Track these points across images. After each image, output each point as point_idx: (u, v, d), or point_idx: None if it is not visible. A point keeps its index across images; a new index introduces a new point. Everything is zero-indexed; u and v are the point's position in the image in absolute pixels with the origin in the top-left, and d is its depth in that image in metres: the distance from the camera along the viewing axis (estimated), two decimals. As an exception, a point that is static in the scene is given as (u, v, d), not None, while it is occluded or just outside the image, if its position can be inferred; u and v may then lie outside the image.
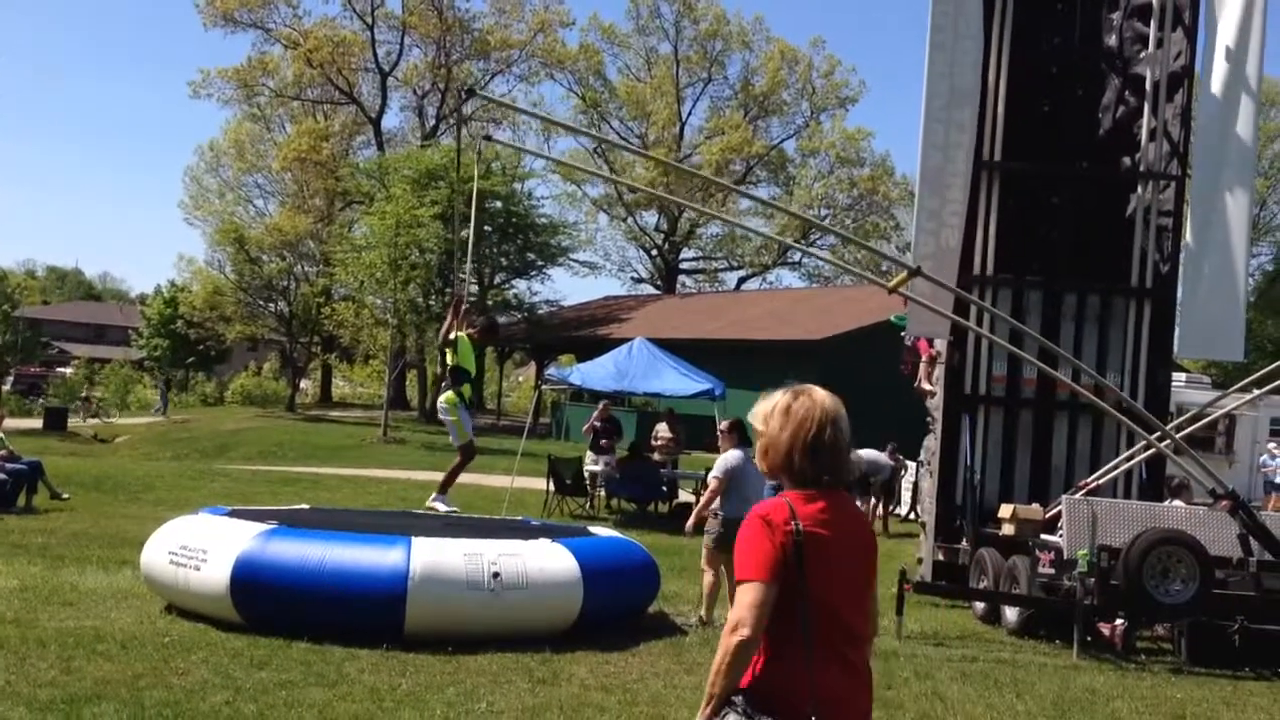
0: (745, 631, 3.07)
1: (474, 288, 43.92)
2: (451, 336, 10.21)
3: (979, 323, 11.97)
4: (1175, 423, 12.83)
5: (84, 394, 45.96)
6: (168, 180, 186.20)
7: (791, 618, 3.11)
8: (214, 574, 8.23)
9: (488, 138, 12.28)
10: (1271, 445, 25.01)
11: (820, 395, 3.42)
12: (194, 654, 7.47)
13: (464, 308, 10.54)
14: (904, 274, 9.81)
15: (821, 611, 3.14)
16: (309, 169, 46.25)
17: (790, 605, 3.11)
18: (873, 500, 18.96)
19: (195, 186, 51.74)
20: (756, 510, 3.22)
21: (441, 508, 9.87)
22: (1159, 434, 10.51)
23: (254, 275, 45.41)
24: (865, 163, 55.96)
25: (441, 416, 10.52)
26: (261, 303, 47.10)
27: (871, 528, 3.89)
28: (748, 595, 3.10)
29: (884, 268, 55.85)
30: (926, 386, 13.55)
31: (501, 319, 45.97)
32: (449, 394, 10.19)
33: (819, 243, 56.49)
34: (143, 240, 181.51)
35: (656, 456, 19.19)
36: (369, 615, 7.98)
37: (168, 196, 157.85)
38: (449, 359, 10.24)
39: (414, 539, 8.45)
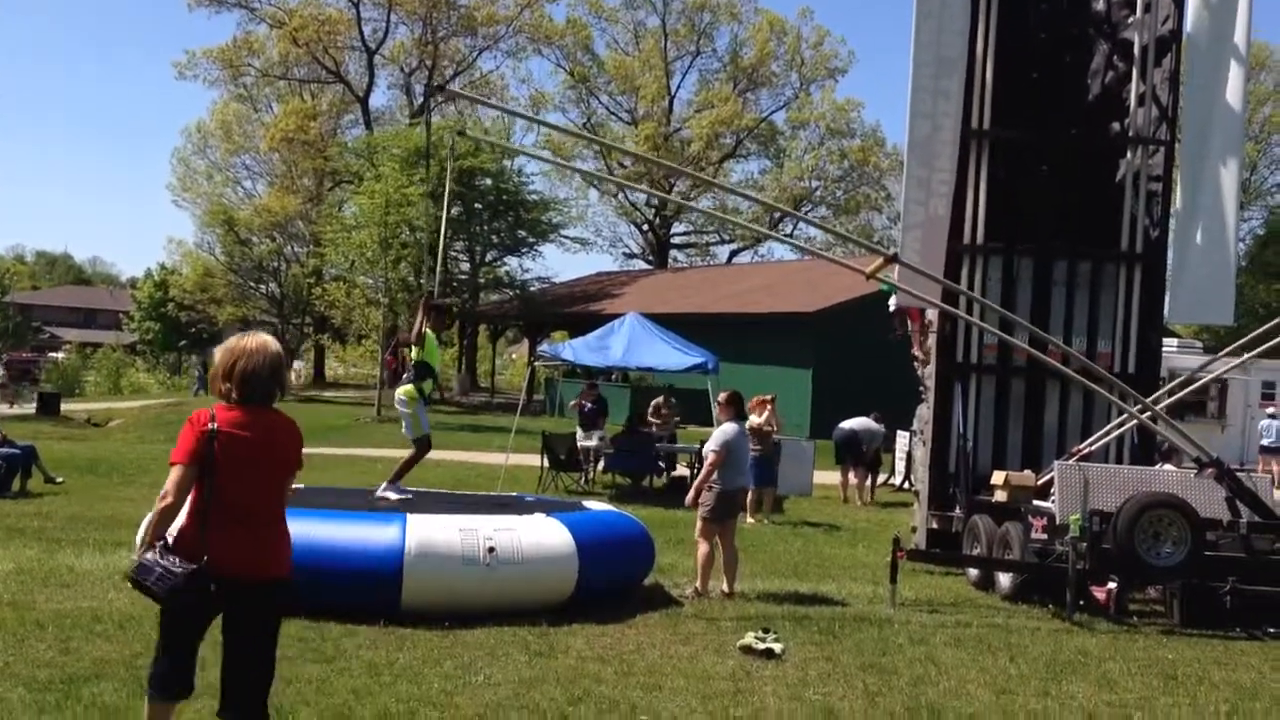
0: (169, 499, 4.36)
1: (465, 264, 43.94)
2: (423, 331, 10.20)
3: (967, 305, 11.98)
4: (1165, 389, 12.89)
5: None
6: (156, 163, 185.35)
7: (202, 489, 4.38)
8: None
9: (461, 133, 12.17)
10: (1270, 410, 25.12)
11: (250, 338, 4.66)
12: (191, 633, 7.49)
13: (432, 304, 10.50)
14: (881, 260, 9.85)
15: (226, 490, 4.40)
16: (297, 149, 46.06)
17: (204, 480, 4.38)
18: (844, 471, 18.99)
19: (183, 169, 51.57)
20: (191, 416, 4.51)
21: (393, 495, 9.84)
22: (1139, 405, 10.58)
23: (244, 257, 45.31)
24: (855, 134, 55.92)
25: (399, 408, 10.48)
26: (252, 284, 47.00)
27: (296, 441, 4.74)
28: (174, 474, 4.39)
29: (875, 239, 55.89)
30: (919, 354, 13.58)
31: (494, 296, 45.99)
32: (409, 388, 10.15)
33: (810, 213, 56.40)
34: (132, 224, 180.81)
35: (655, 430, 19.21)
36: (366, 592, 8.02)
37: (156, 179, 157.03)
38: (414, 354, 10.22)
39: (409, 516, 8.50)
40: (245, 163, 51.38)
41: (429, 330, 10.26)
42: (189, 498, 4.40)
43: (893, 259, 9.99)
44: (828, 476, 19.79)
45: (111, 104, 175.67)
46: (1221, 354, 14.82)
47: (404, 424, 10.53)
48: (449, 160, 14.98)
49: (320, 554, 8.05)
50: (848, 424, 18.89)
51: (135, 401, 42.61)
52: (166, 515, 4.38)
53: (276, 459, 4.61)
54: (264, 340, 4.66)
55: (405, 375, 10.35)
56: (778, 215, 55.29)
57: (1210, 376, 15.52)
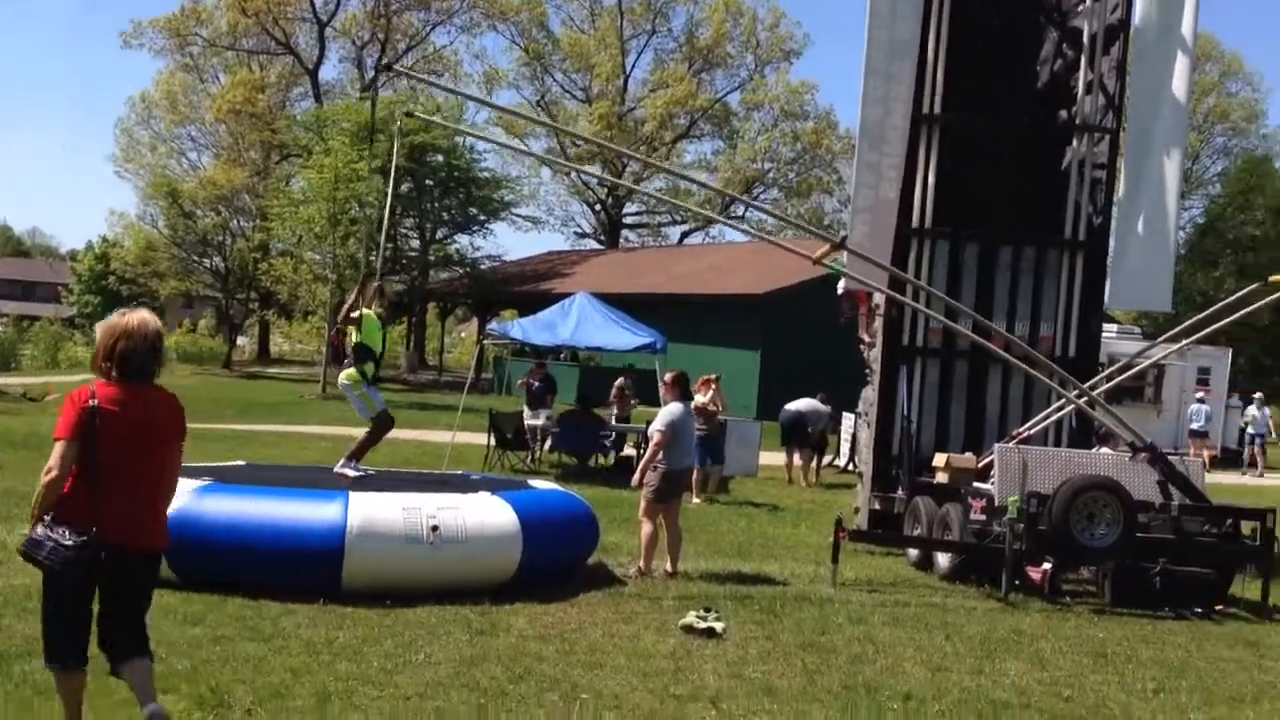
0: (54, 473, 4.56)
1: (415, 241, 43.59)
2: (355, 315, 10.04)
3: (913, 292, 12.08)
4: (1104, 374, 13.11)
5: None
6: (99, 133, 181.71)
7: (86, 463, 4.58)
8: (148, 530, 8.15)
9: (409, 114, 11.97)
10: (1199, 394, 25.66)
11: (130, 315, 4.82)
12: (128, 610, 7.41)
13: (372, 285, 10.33)
14: (828, 245, 9.92)
15: (109, 464, 4.60)
16: (244, 121, 45.39)
17: (87, 454, 4.57)
18: (789, 453, 19.09)
19: (127, 139, 50.65)
20: (71, 393, 4.68)
21: (351, 473, 9.75)
22: (1077, 391, 10.77)
23: (188, 230, 44.63)
24: (809, 116, 56.05)
25: (344, 393, 10.29)
26: (196, 258, 46.31)
27: (176, 416, 4.94)
28: (56, 449, 4.57)
29: (826, 222, 56.17)
30: (866, 338, 13.70)
31: (444, 274, 45.69)
32: (350, 371, 9.97)
33: (761, 196, 56.56)
34: (73, 195, 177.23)
35: (616, 411, 19.11)
36: (306, 570, 7.97)
37: (99, 150, 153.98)
38: (352, 336, 10.06)
39: (352, 494, 8.45)
40: (191, 134, 50.60)
41: (369, 311, 10.11)
42: (75, 471, 4.61)
43: (840, 245, 10.08)
44: (774, 457, 19.92)
45: (55, 73, 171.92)
46: (1159, 340, 15.07)
47: (355, 407, 10.38)
48: (396, 138, 14.66)
49: (260, 532, 8.02)
50: (794, 405, 19.00)
51: (74, 376, 41.84)
52: (51, 488, 4.58)
53: (155, 434, 4.82)
54: (144, 318, 4.83)
55: (346, 360, 10.20)
56: (728, 198, 55.40)
57: (1148, 363, 15.80)
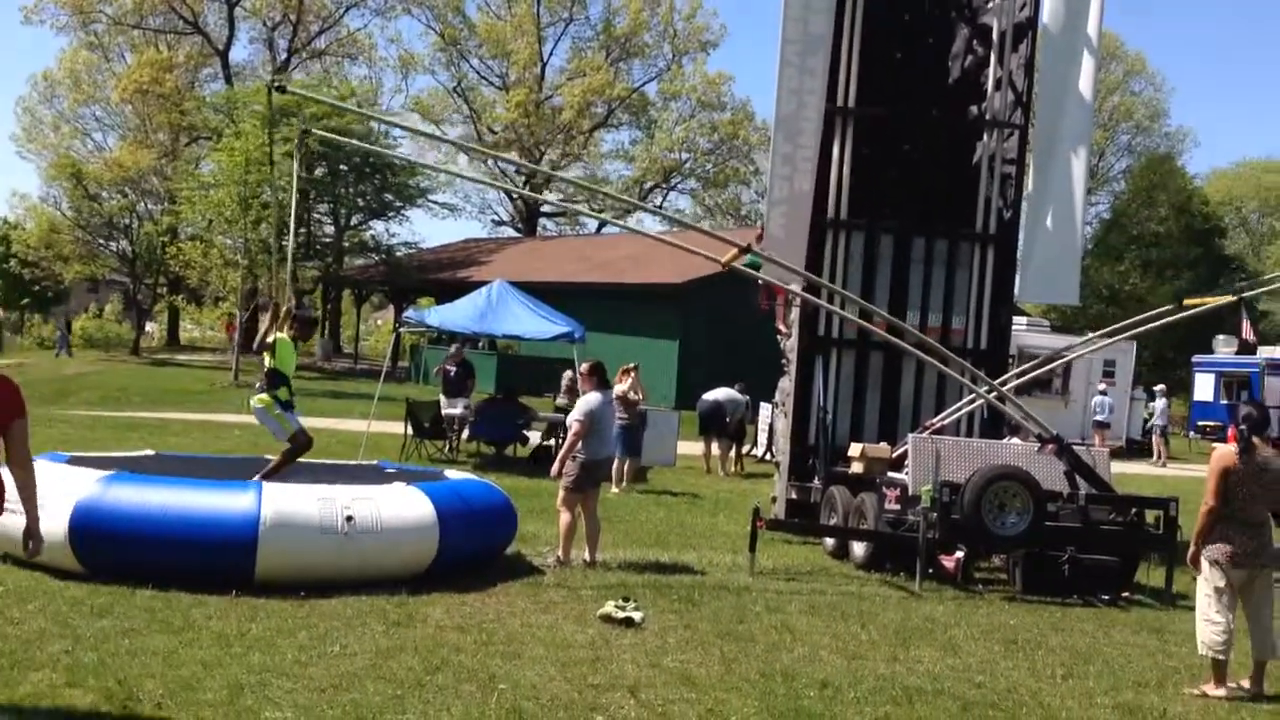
0: None
1: (329, 227, 42.90)
2: (270, 340, 9.81)
3: (828, 293, 12.23)
4: (1017, 370, 13.42)
5: None
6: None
7: None
8: (50, 522, 7.88)
9: (280, 88, 11.67)
10: (1101, 386, 26.38)
11: None
12: (30, 603, 7.21)
13: (284, 309, 10.04)
14: (735, 251, 10.02)
15: None
16: (151, 102, 44.22)
17: None
18: (706, 443, 19.19)
19: (28, 118, 49.11)
20: None
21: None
22: (987, 386, 11.02)
23: (93, 212, 43.31)
24: (726, 107, 56.27)
25: (258, 419, 9.94)
26: (102, 241, 44.99)
27: (14, 396, 5.09)
28: None
29: (743, 212, 56.55)
30: (783, 328, 13.82)
31: (359, 261, 45.06)
32: (263, 395, 9.65)
33: (680, 186, 56.75)
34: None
35: (565, 403, 18.85)
36: (218, 562, 7.82)
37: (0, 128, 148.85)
38: (267, 362, 9.81)
39: (265, 484, 8.30)
40: (95, 114, 49.22)
41: (283, 335, 9.87)
42: None
43: (745, 250, 10.18)
44: (692, 447, 20.01)
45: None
46: (1091, 336, 15.50)
47: (270, 429, 10.01)
48: (296, 155, 14.19)
49: (171, 522, 7.85)
50: (711, 395, 19.09)
51: (-27, 362, 40.55)
52: None
53: None
54: None
55: (258, 384, 9.91)
56: (648, 186, 55.47)
57: (1064, 361, 16.23)
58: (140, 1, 46.38)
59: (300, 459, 9.87)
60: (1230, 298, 11.94)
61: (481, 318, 18.33)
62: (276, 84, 13.04)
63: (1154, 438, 27.00)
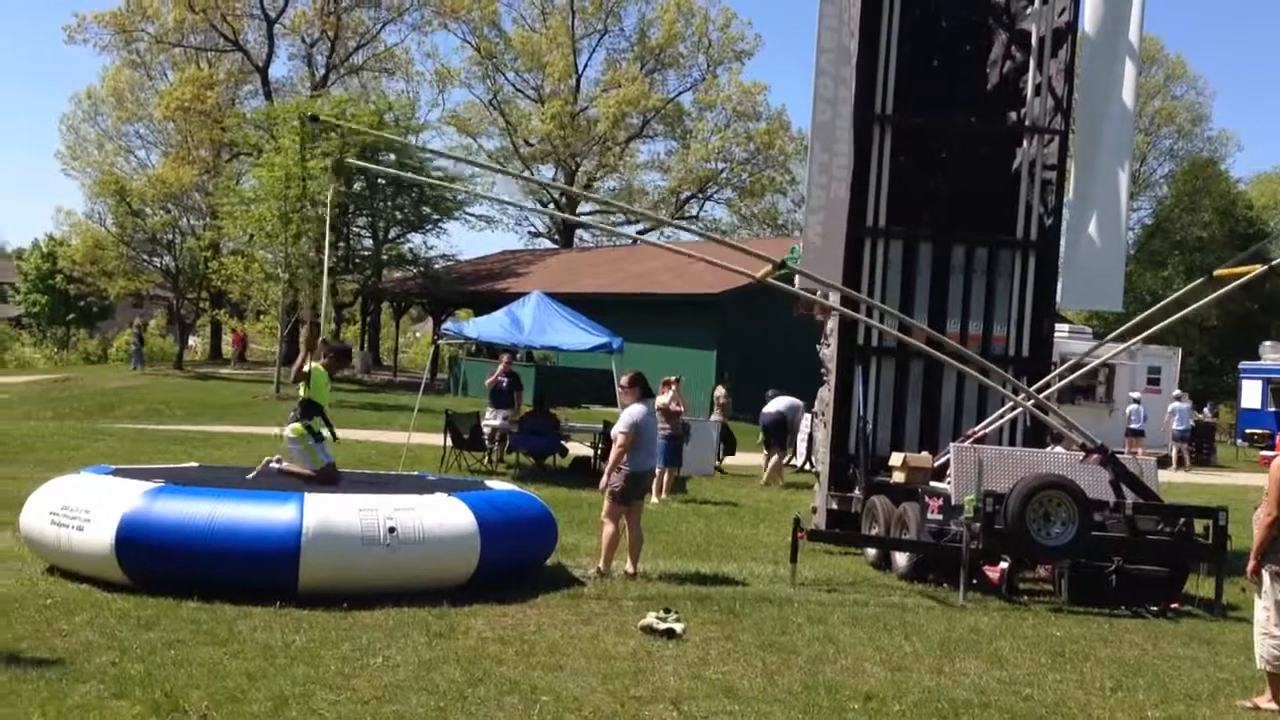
0: None
1: (368, 241, 43.21)
2: (306, 370, 9.89)
3: (868, 290, 12.17)
4: (1055, 374, 13.27)
5: None
6: (43, 129, 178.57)
7: None
8: (98, 534, 8.03)
9: (314, 118, 11.78)
10: (1134, 394, 26.02)
11: None
12: (78, 615, 7.29)
13: (319, 338, 10.11)
14: (768, 267, 10.01)
15: None
16: (193, 118, 44.70)
17: None
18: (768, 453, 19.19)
19: (73, 136, 49.69)
20: None
21: (272, 464, 9.69)
22: (1024, 394, 10.91)
23: (137, 228, 43.82)
24: (761, 117, 56.14)
25: (289, 447, 9.88)
26: (145, 257, 45.50)
27: None
28: None
29: (780, 221, 56.44)
30: (825, 337, 13.74)
31: (397, 274, 45.34)
32: (297, 425, 9.67)
33: (716, 196, 56.72)
34: (18, 192, 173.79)
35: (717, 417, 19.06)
36: (261, 573, 7.86)
37: (44, 146, 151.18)
38: (302, 391, 9.88)
39: (307, 495, 8.35)
40: (138, 131, 49.75)
41: (318, 365, 9.93)
42: None
43: (779, 266, 10.17)
44: (729, 457, 19.97)
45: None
46: (1106, 339, 15.27)
47: (298, 458, 9.85)
48: (330, 188, 14.22)
49: (214, 534, 7.90)
50: (773, 406, 19.08)
51: (20, 377, 41.18)
52: None
53: None
54: None
55: (292, 414, 9.96)
56: (684, 197, 55.48)
57: (1096, 362, 16.01)
58: (181, 20, 46.95)
59: (340, 470, 9.92)
60: (1262, 267, 11.61)
61: (519, 329, 18.40)
62: (311, 115, 13.10)
63: (1180, 444, 26.43)
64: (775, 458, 18.86)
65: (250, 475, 9.66)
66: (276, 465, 9.82)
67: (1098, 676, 7.39)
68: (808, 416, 19.82)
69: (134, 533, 7.93)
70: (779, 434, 18.87)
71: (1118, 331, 13.84)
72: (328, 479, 9.56)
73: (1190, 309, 12.28)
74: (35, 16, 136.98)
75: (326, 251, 14.25)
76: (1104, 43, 12.92)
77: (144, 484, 8.47)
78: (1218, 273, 12.18)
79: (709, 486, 17.77)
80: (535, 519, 9.53)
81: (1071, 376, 13.62)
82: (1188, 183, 48.14)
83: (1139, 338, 12.88)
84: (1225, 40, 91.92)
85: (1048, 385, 12.41)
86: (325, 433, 9.76)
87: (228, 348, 48.88)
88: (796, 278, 12.43)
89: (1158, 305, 12.25)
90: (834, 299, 12.65)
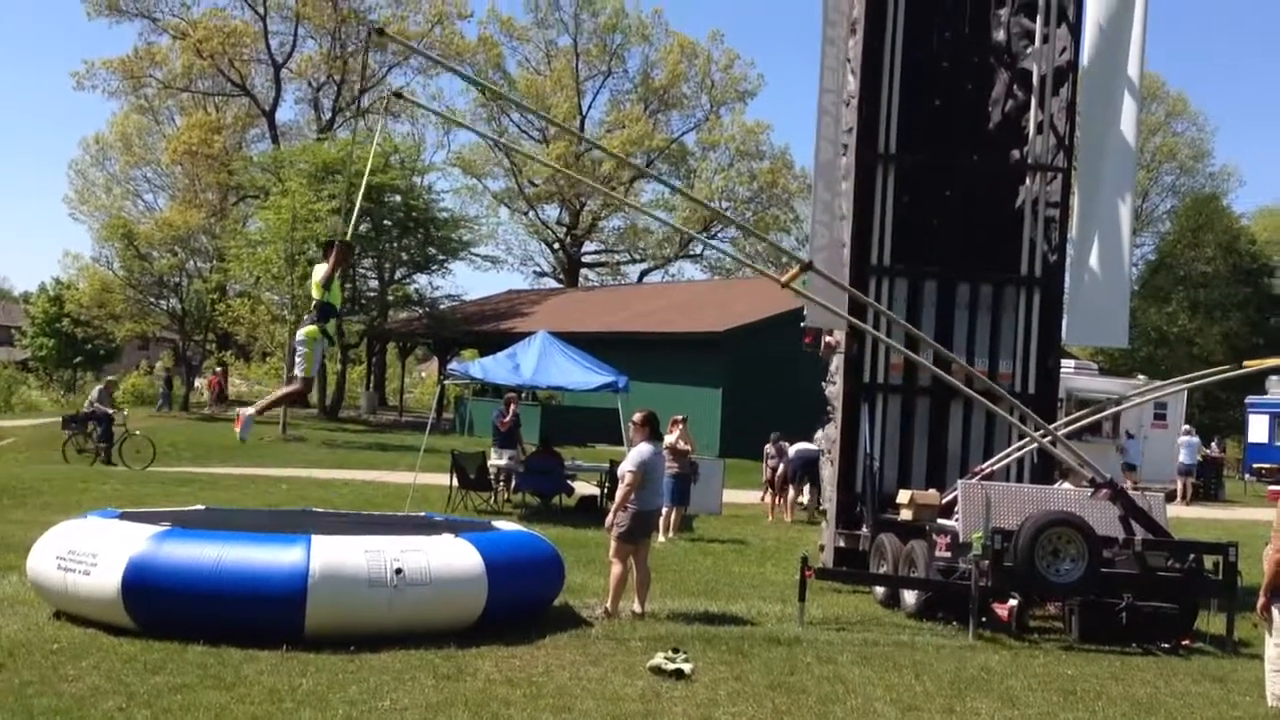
0: None
1: (373, 281, 43.41)
2: (335, 276, 10.03)
3: (874, 320, 12.20)
4: (1076, 415, 13.35)
5: None
6: (51, 174, 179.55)
7: None
8: (104, 578, 8.01)
9: (398, 94, 12.03)
10: (1128, 430, 26.06)
11: None
12: (84, 660, 7.26)
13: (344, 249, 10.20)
14: (796, 268, 9.99)
15: None
16: (200, 162, 45.10)
17: None
18: (796, 490, 19.31)
19: (81, 180, 50.14)
20: None
21: (247, 413, 9.87)
22: (1040, 429, 10.95)
23: (144, 271, 44.06)
24: (765, 156, 56.50)
25: (297, 346, 10.13)
26: (152, 300, 45.72)
27: None
28: None
29: (783, 260, 56.53)
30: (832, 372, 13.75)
31: (403, 314, 45.51)
32: (312, 328, 9.85)
33: (720, 235, 56.89)
34: (25, 236, 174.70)
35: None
36: (268, 616, 7.84)
37: (52, 191, 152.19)
38: (317, 295, 9.98)
39: (314, 537, 8.33)
40: (146, 175, 50.19)
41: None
42: None
43: (808, 267, 10.09)
44: (736, 495, 19.91)
45: (5, 112, 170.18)
46: (1167, 383, 15.82)
47: (297, 362, 10.18)
48: (369, 154, 14.37)
49: (221, 577, 7.89)
50: (800, 446, 19.17)
51: (27, 420, 41.20)
52: None
53: None
54: None
55: (307, 316, 10.09)
56: (687, 236, 55.63)
57: (1124, 408, 16.25)
58: (189, 65, 47.45)
59: (348, 511, 9.98)
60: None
61: (525, 369, 18.43)
62: (377, 28, 13.10)
63: (1184, 479, 26.45)
64: (795, 495, 18.96)
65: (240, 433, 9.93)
66: (250, 414, 10.06)
67: (1110, 715, 7.33)
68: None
69: (141, 577, 7.92)
70: (812, 473, 18.84)
71: (1153, 385, 14.48)
72: (301, 390, 10.09)
73: (1217, 379, 12.97)
74: (44, 63, 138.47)
75: (362, 175, 14.21)
76: (1105, 80, 13.02)
77: (150, 527, 8.47)
78: (1248, 364, 12.71)
79: (715, 524, 17.71)
80: (543, 559, 9.50)
81: (1088, 421, 13.75)
82: (1190, 218, 48.18)
83: (1157, 393, 13.20)
84: (1226, 75, 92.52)
85: (1066, 425, 12.49)
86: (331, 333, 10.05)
87: (234, 388, 48.96)
88: (807, 306, 12.47)
89: (1191, 380, 12.98)
90: (839, 335, 12.67)
